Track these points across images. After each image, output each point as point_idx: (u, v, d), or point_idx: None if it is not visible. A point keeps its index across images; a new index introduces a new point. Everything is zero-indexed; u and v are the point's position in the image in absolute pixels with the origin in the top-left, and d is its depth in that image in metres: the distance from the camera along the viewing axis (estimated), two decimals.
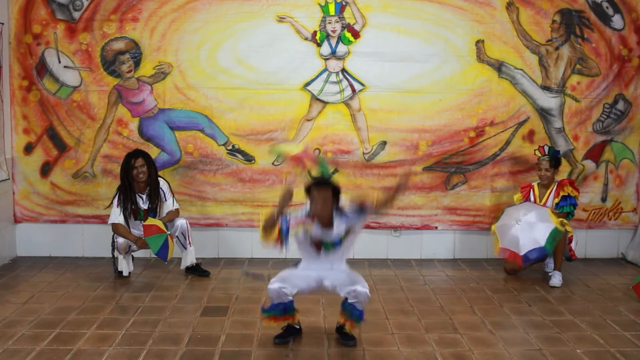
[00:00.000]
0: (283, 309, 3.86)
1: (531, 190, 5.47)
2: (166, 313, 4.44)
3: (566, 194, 5.28)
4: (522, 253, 5.03)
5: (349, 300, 3.84)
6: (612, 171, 5.98)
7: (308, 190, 3.82)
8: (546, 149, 5.40)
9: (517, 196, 5.59)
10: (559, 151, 5.53)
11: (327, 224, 3.82)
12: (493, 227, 5.41)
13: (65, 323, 4.21)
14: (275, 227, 3.68)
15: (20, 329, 4.09)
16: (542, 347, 3.89)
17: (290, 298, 3.84)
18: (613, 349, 3.86)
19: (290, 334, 3.99)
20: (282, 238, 3.71)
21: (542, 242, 4.98)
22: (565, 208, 5.27)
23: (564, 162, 5.86)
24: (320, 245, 3.87)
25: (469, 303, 4.73)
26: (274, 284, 3.82)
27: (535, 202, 5.39)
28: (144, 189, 5.23)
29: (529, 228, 5.04)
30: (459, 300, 4.80)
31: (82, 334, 4.03)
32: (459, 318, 4.39)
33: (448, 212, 5.95)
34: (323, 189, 3.77)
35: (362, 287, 3.83)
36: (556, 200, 5.31)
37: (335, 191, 3.83)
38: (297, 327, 4.05)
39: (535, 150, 5.53)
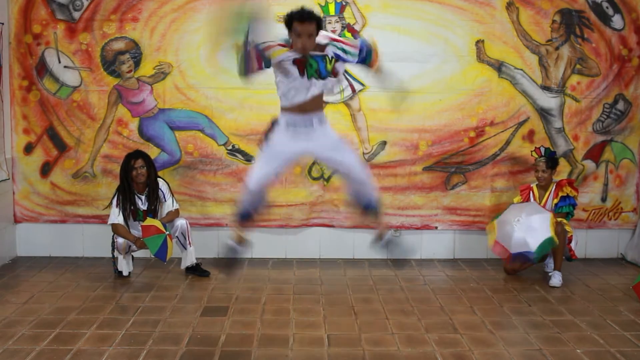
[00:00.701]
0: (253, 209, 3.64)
1: (530, 192, 5.47)
2: (166, 313, 4.44)
3: (565, 194, 5.29)
4: (511, 252, 5.09)
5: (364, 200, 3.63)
6: (612, 171, 5.98)
7: (289, 24, 3.37)
8: (542, 150, 5.40)
9: (517, 199, 5.59)
10: (555, 152, 5.53)
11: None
12: (494, 221, 5.40)
13: (65, 323, 4.21)
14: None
15: (20, 329, 4.09)
16: (542, 347, 3.89)
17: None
18: (613, 349, 3.86)
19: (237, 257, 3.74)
20: (261, 58, 3.40)
21: (533, 247, 5.00)
22: (565, 208, 5.27)
23: (564, 162, 5.87)
24: (304, 66, 3.40)
25: (469, 303, 4.74)
26: (253, 184, 3.57)
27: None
28: (143, 189, 5.23)
29: (526, 230, 5.05)
30: (459, 300, 4.80)
31: (82, 334, 4.03)
32: (459, 318, 4.39)
33: (448, 212, 5.95)
34: (307, 22, 3.31)
35: (373, 189, 3.66)
36: (555, 200, 5.31)
37: (319, 24, 3.40)
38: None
39: (531, 151, 5.54)
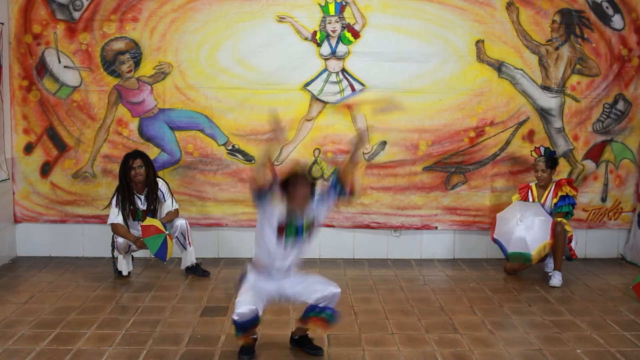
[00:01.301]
0: (252, 322, 3.56)
1: (529, 191, 5.48)
2: (166, 313, 4.44)
3: (564, 194, 5.28)
4: (508, 250, 5.19)
5: (320, 305, 3.58)
6: (612, 171, 5.98)
7: (284, 186, 3.53)
8: (542, 149, 5.41)
9: (516, 197, 5.59)
10: (554, 152, 5.53)
11: (299, 215, 3.57)
12: (497, 215, 5.44)
13: (65, 323, 4.21)
14: (265, 170, 3.47)
15: (20, 329, 4.09)
16: (542, 347, 3.89)
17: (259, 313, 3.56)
18: (613, 349, 3.86)
19: (254, 349, 3.75)
20: (268, 187, 3.49)
21: (531, 249, 5.10)
22: (564, 208, 5.27)
23: (563, 162, 5.87)
24: (283, 230, 3.55)
25: (469, 303, 4.74)
26: (243, 308, 3.45)
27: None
28: (143, 189, 5.23)
29: (525, 232, 5.11)
30: (459, 300, 4.80)
31: (82, 334, 4.03)
32: (459, 318, 4.39)
33: (448, 212, 5.95)
34: (304, 185, 3.52)
35: (336, 288, 3.60)
36: (555, 200, 5.31)
37: (313, 187, 3.58)
38: (255, 337, 3.77)
39: (531, 151, 5.54)
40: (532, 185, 5.49)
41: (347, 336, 4.03)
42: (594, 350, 3.85)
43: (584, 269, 5.68)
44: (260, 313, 3.54)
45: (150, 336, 4.00)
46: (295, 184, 3.51)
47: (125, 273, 5.23)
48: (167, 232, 5.00)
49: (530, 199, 5.42)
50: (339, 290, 3.62)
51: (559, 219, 5.19)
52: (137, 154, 5.21)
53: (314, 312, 3.61)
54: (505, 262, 5.43)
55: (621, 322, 4.34)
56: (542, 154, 5.37)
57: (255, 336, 3.75)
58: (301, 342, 3.81)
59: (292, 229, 3.57)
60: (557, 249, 5.15)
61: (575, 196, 5.33)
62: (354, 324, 4.26)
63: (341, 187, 3.59)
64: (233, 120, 5.76)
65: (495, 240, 5.36)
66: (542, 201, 5.37)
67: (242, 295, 3.56)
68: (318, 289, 3.62)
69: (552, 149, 5.51)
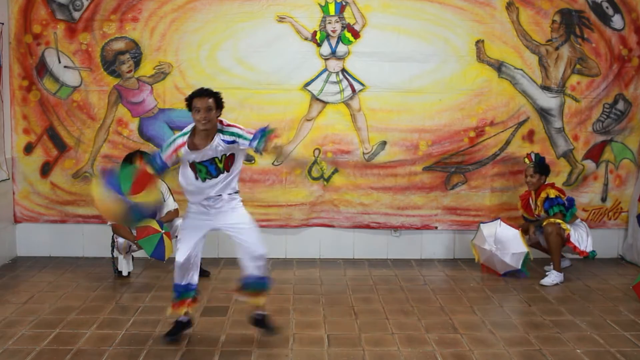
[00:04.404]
0: (185, 288, 3.88)
1: (530, 198, 5.48)
2: (166, 313, 4.43)
3: (545, 196, 5.26)
4: (501, 273, 5.40)
5: (251, 273, 3.84)
6: (612, 171, 5.98)
7: (189, 103, 3.68)
8: (533, 156, 5.45)
9: (519, 205, 5.65)
10: (544, 158, 5.49)
11: (206, 142, 3.69)
12: (471, 242, 5.59)
13: (65, 323, 4.21)
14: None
15: (20, 329, 4.09)
16: (542, 347, 3.89)
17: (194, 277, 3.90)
18: (613, 349, 3.86)
19: (182, 329, 3.95)
20: (156, 170, 3.72)
21: (518, 266, 5.30)
22: (555, 208, 5.25)
23: (564, 162, 5.87)
24: (195, 170, 3.76)
25: (469, 303, 4.74)
26: (181, 254, 3.80)
27: (533, 209, 5.43)
28: None
29: (503, 255, 5.30)
30: (459, 300, 4.80)
31: (82, 334, 4.03)
32: (459, 318, 4.39)
33: (448, 212, 5.95)
34: (205, 97, 3.64)
35: (262, 249, 3.84)
36: (539, 204, 5.33)
37: (218, 101, 3.70)
38: (187, 319, 3.97)
39: (524, 158, 5.55)
40: (533, 192, 5.48)
41: (347, 336, 4.03)
42: (594, 350, 3.85)
43: (584, 269, 5.68)
44: (199, 255, 3.88)
45: (150, 336, 4.00)
46: (197, 97, 3.64)
47: (125, 273, 5.23)
48: (164, 230, 5.00)
49: (533, 206, 5.43)
50: (264, 251, 3.85)
51: (551, 219, 5.19)
52: (139, 154, 5.21)
53: (248, 284, 3.88)
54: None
55: (621, 322, 4.34)
56: (533, 159, 5.41)
57: (188, 318, 3.96)
58: (258, 323, 3.99)
59: (202, 172, 3.75)
60: (551, 249, 5.18)
61: (559, 196, 5.27)
62: (354, 324, 4.26)
63: (260, 147, 3.69)
64: (233, 120, 5.71)
65: (484, 267, 5.54)
66: (538, 209, 5.40)
67: (180, 242, 3.87)
68: (247, 243, 3.82)
69: (541, 156, 5.49)
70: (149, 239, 4.91)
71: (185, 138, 3.71)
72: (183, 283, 3.89)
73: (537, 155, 5.46)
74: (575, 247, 5.26)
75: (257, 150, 3.70)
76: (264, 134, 3.67)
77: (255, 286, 3.89)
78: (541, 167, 5.38)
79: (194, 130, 3.72)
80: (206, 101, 3.62)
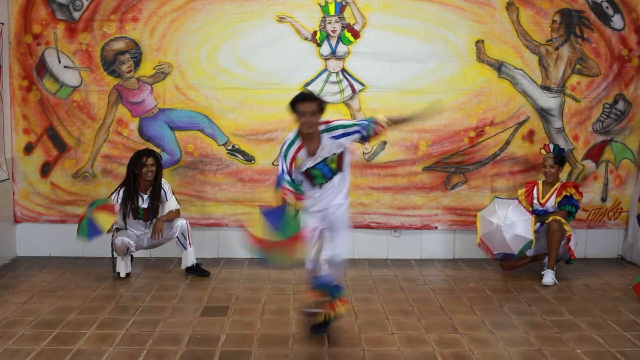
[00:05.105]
0: (326, 285, 3.93)
1: (535, 187, 5.51)
2: (166, 313, 4.44)
3: (569, 195, 5.32)
4: (494, 252, 5.33)
5: (323, 273, 3.87)
6: (612, 171, 5.98)
7: (292, 107, 3.71)
8: (551, 147, 5.48)
9: (521, 191, 5.62)
10: (563, 149, 5.57)
11: (315, 145, 3.73)
12: (478, 213, 5.51)
13: (65, 323, 4.21)
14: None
15: (20, 329, 4.09)
16: (542, 347, 3.89)
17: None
18: (613, 349, 3.86)
19: (327, 325, 3.99)
20: (286, 186, 3.77)
21: (515, 250, 5.22)
22: (567, 207, 5.31)
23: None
24: (310, 178, 3.83)
25: (469, 303, 4.74)
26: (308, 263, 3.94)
27: (537, 199, 5.46)
28: (147, 188, 5.24)
29: (507, 232, 5.20)
30: (459, 300, 4.80)
31: (82, 334, 4.03)
32: (459, 318, 4.39)
33: (448, 212, 5.95)
34: (307, 102, 3.68)
35: (342, 250, 3.89)
36: (558, 199, 5.34)
37: (321, 105, 3.73)
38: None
39: (540, 149, 5.56)
40: (539, 182, 5.51)
41: (347, 336, 4.03)
42: (594, 350, 3.85)
43: (584, 269, 5.68)
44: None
45: (150, 336, 4.00)
46: (300, 102, 3.68)
47: (122, 275, 5.23)
48: (89, 211, 4.96)
49: (535, 195, 5.46)
50: (344, 256, 3.92)
51: (557, 217, 5.20)
52: (150, 152, 5.23)
53: (321, 285, 3.92)
54: (502, 259, 5.46)
55: (621, 322, 4.34)
56: (551, 151, 5.44)
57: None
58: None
59: (317, 178, 3.82)
60: (551, 246, 5.18)
61: (579, 200, 5.36)
62: (354, 324, 4.26)
63: (368, 136, 3.78)
64: (233, 120, 5.76)
65: (481, 244, 5.43)
66: (546, 198, 5.40)
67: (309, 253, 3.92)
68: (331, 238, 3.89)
69: (560, 147, 5.54)
70: (82, 227, 4.92)
71: (298, 143, 3.75)
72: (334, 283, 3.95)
73: (556, 146, 5.50)
74: (571, 250, 5.26)
75: (365, 138, 3.78)
76: (371, 120, 3.79)
77: (327, 288, 3.93)
78: (561, 158, 5.45)
79: (299, 137, 3.76)
80: (310, 105, 3.67)
